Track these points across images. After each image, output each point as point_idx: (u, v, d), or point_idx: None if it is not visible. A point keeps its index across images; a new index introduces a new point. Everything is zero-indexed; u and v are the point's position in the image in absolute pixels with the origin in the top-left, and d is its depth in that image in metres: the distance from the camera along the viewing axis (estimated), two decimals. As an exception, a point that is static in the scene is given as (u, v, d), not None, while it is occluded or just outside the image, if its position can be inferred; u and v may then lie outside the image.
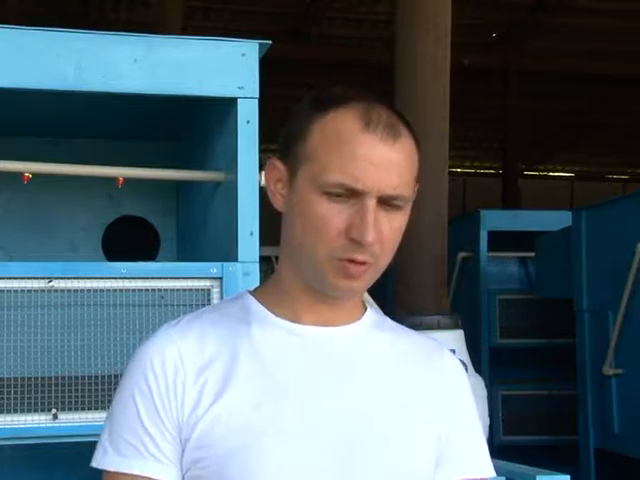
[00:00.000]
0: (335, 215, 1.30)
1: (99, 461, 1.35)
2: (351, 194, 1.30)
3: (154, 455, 1.32)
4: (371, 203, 1.30)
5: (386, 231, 1.32)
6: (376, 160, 1.30)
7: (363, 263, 1.31)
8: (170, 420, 1.32)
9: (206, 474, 1.31)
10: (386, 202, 1.31)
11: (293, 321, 1.38)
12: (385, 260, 1.35)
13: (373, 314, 1.46)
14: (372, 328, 1.43)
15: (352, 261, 1.31)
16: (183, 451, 1.33)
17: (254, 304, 1.41)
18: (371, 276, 1.35)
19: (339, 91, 1.37)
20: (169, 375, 1.33)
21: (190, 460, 1.32)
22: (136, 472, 1.33)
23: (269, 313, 1.39)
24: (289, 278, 1.39)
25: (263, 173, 1.42)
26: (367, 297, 3.54)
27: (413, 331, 1.51)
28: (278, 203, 1.38)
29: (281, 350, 1.36)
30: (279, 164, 1.38)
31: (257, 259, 2.50)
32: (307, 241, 1.33)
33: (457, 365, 1.49)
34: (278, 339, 1.37)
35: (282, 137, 1.40)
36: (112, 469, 1.34)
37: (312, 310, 1.38)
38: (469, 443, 1.45)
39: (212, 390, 1.32)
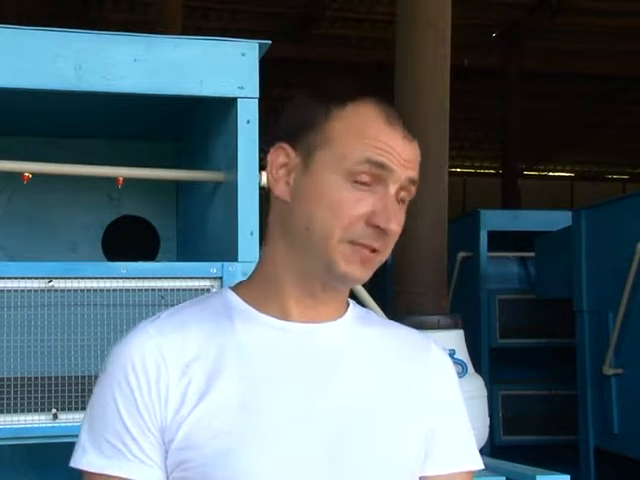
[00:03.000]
0: (359, 200, 1.29)
1: (78, 461, 1.31)
2: (375, 178, 1.30)
3: (138, 457, 1.29)
4: (392, 190, 1.31)
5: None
6: (400, 151, 1.31)
7: (375, 250, 1.31)
8: (153, 422, 1.29)
9: (191, 475, 1.28)
10: (400, 193, 1.32)
11: (278, 317, 1.35)
12: (387, 254, 1.34)
13: (356, 308, 1.44)
14: (357, 323, 1.41)
15: (367, 247, 1.30)
16: (167, 452, 1.30)
17: (236, 300, 1.38)
18: (376, 266, 1.34)
19: (342, 85, 1.37)
20: (151, 374, 1.30)
21: (174, 462, 1.29)
22: (119, 474, 1.29)
23: (252, 309, 1.36)
24: (279, 269, 1.36)
25: (269, 154, 1.38)
26: (367, 297, 3.54)
27: (399, 325, 1.50)
28: (280, 190, 1.35)
29: (266, 347, 1.34)
30: (289, 148, 1.35)
31: (257, 259, 2.49)
32: (317, 225, 1.30)
33: (444, 357, 1.48)
34: (263, 336, 1.34)
35: (287, 124, 1.37)
36: (94, 470, 1.30)
37: (299, 305, 1.35)
38: (457, 436, 1.43)
39: (196, 390, 1.29)
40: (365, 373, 1.37)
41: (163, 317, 1.37)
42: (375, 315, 1.48)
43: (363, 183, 1.30)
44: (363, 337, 1.40)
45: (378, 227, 1.29)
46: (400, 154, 1.31)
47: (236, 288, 1.41)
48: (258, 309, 1.36)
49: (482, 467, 1.46)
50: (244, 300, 1.38)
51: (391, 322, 1.51)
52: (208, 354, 1.32)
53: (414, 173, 1.33)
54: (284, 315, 1.36)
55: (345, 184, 1.30)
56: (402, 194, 1.33)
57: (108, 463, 1.29)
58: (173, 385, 1.29)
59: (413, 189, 1.34)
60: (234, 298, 1.38)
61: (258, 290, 1.38)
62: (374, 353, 1.40)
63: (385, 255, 1.34)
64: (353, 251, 1.30)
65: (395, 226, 1.29)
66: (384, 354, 1.41)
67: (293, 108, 1.39)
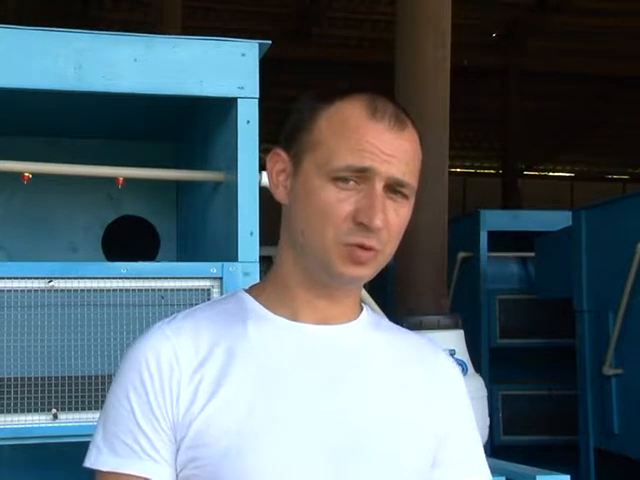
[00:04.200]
0: (343, 200, 1.29)
1: (93, 461, 1.33)
2: (359, 179, 1.29)
3: (150, 455, 1.30)
4: (379, 187, 1.29)
5: (393, 218, 1.31)
6: (385, 147, 1.30)
7: (371, 249, 1.30)
8: (165, 419, 1.30)
9: (200, 474, 1.29)
10: (393, 189, 1.31)
11: (290, 319, 1.36)
12: (391, 249, 1.34)
13: (369, 314, 1.44)
14: (369, 327, 1.42)
15: (360, 246, 1.30)
16: (177, 450, 1.31)
17: (250, 302, 1.39)
18: (378, 264, 1.33)
19: (342, 85, 1.38)
20: (164, 374, 1.31)
21: (184, 460, 1.30)
22: (133, 472, 1.30)
23: (266, 310, 1.37)
24: (288, 272, 1.37)
25: (267, 161, 1.40)
26: (367, 297, 3.54)
27: (409, 331, 1.51)
28: (280, 195, 1.37)
29: (278, 348, 1.35)
30: (283, 153, 1.37)
31: (257, 259, 2.50)
32: (311, 227, 1.32)
33: (452, 365, 1.48)
34: (275, 337, 1.35)
35: (285, 128, 1.39)
36: (107, 469, 1.31)
37: (310, 306, 1.36)
38: (465, 445, 1.44)
39: (207, 389, 1.30)
40: (374, 377, 1.38)
41: (178, 319, 1.39)
42: (386, 321, 1.49)
43: (348, 184, 1.30)
44: (373, 341, 1.41)
45: (363, 224, 1.29)
46: (384, 150, 1.30)
47: (251, 290, 1.42)
48: (271, 310, 1.37)
49: (490, 478, 1.45)
50: (258, 301, 1.39)
51: (401, 328, 1.51)
52: (220, 354, 1.33)
53: (399, 168, 1.31)
54: (296, 316, 1.37)
55: (330, 186, 1.30)
56: (397, 189, 1.32)
57: (121, 462, 1.31)
58: (185, 383, 1.31)
59: (408, 182, 1.32)
60: (248, 300, 1.39)
61: (271, 291, 1.39)
62: (385, 357, 1.40)
63: (386, 254, 1.33)
64: (348, 251, 1.30)
65: (379, 222, 1.28)
66: (395, 359, 1.41)
67: (293, 111, 1.40)
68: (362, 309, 1.43)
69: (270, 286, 1.40)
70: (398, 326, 1.52)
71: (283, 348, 1.35)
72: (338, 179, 1.30)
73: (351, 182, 1.30)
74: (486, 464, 1.46)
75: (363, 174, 1.29)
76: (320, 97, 1.36)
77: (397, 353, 1.42)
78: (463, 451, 1.43)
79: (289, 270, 1.37)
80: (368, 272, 1.33)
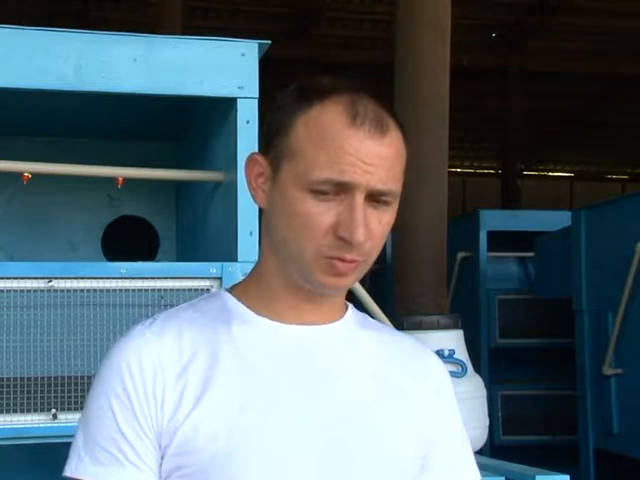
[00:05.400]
0: (322, 213, 1.26)
1: (74, 470, 1.28)
2: (339, 191, 1.25)
3: (134, 463, 1.26)
4: (360, 199, 1.24)
5: (375, 227, 1.28)
6: (364, 156, 1.25)
7: (352, 261, 1.27)
8: (149, 426, 1.26)
9: None
10: (375, 198, 1.27)
11: (274, 319, 1.33)
12: (374, 256, 1.31)
13: (354, 312, 1.42)
14: (355, 326, 1.39)
15: (340, 259, 1.27)
16: (162, 458, 1.26)
17: (233, 302, 1.35)
18: (360, 272, 1.31)
19: (324, 82, 1.32)
20: (147, 379, 1.27)
21: (170, 467, 1.26)
22: None
23: (249, 311, 1.34)
24: (271, 275, 1.35)
25: (245, 165, 1.36)
26: (367, 297, 3.54)
27: (396, 330, 1.49)
28: (259, 199, 1.33)
29: (264, 350, 1.31)
30: (261, 159, 1.32)
31: (256, 259, 2.49)
32: (291, 238, 1.28)
33: (440, 365, 1.46)
34: (260, 338, 1.32)
35: (265, 130, 1.35)
36: (89, 479, 1.26)
37: (294, 308, 1.33)
38: (455, 447, 1.42)
39: (193, 393, 1.26)
40: (363, 376, 1.36)
41: (160, 321, 1.34)
42: (372, 320, 1.47)
43: (327, 195, 1.26)
44: (361, 340, 1.39)
45: (344, 239, 1.25)
46: (364, 160, 1.25)
47: (233, 289, 1.39)
48: (255, 311, 1.34)
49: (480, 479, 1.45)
50: (241, 302, 1.36)
51: (387, 327, 1.49)
52: (204, 358, 1.29)
53: (380, 177, 1.25)
54: (280, 318, 1.34)
55: (309, 198, 1.26)
56: (379, 198, 1.27)
57: (104, 471, 1.26)
58: (169, 389, 1.27)
59: (390, 190, 1.27)
60: (231, 300, 1.36)
61: (254, 292, 1.36)
62: (372, 357, 1.38)
63: (369, 261, 1.31)
64: (329, 264, 1.27)
65: (360, 237, 1.24)
66: (382, 358, 1.39)
67: (272, 112, 1.35)
68: (347, 307, 1.40)
69: (253, 286, 1.37)
70: (385, 325, 1.50)
71: (269, 350, 1.32)
72: (317, 191, 1.26)
73: (331, 194, 1.25)
74: (475, 465, 1.44)
75: (342, 187, 1.25)
76: (299, 98, 1.31)
77: (384, 352, 1.40)
78: (453, 453, 1.41)
79: (272, 273, 1.35)
80: (349, 281, 1.31)
